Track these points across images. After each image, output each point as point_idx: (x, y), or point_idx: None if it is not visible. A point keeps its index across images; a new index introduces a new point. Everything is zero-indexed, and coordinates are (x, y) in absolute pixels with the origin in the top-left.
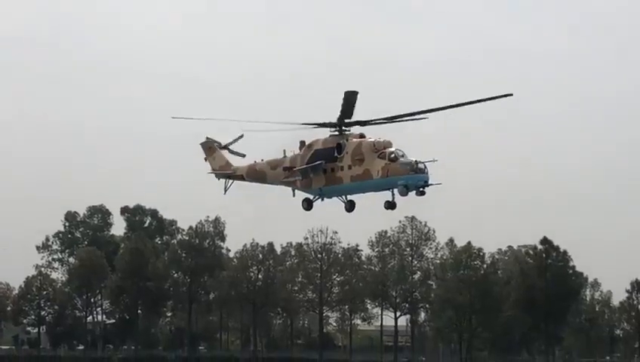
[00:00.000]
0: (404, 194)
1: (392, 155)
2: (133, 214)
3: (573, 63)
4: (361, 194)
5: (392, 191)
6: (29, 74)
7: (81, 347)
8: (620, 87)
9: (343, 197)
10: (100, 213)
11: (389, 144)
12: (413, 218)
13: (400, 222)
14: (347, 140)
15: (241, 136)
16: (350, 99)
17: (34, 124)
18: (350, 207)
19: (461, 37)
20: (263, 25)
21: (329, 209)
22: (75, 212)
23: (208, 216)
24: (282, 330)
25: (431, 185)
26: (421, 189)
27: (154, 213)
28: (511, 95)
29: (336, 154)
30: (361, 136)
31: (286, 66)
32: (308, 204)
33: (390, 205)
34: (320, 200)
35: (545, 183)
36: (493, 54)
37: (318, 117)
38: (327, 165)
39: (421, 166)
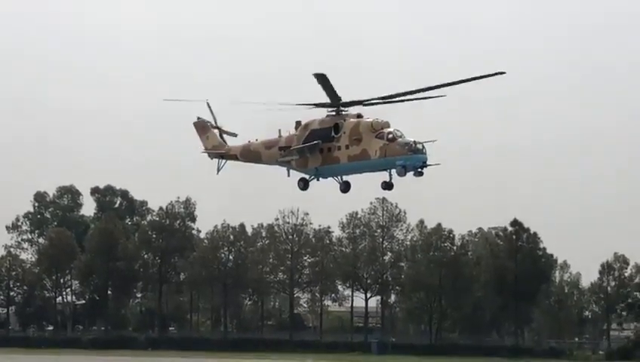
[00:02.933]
0: (402, 174)
1: (391, 135)
2: (104, 195)
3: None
4: (356, 175)
5: (390, 172)
6: None
7: (50, 328)
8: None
9: (339, 177)
10: (69, 193)
11: (387, 124)
12: (384, 199)
13: (371, 203)
14: (344, 120)
15: (235, 135)
16: (323, 81)
17: (3, 103)
18: (345, 187)
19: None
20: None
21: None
22: (45, 192)
23: (179, 197)
24: (253, 311)
25: (429, 165)
26: (419, 170)
27: (124, 194)
28: (503, 73)
29: (333, 134)
30: (359, 116)
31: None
32: (304, 184)
33: (387, 185)
34: (316, 180)
35: (515, 165)
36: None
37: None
38: (324, 145)
39: (419, 146)
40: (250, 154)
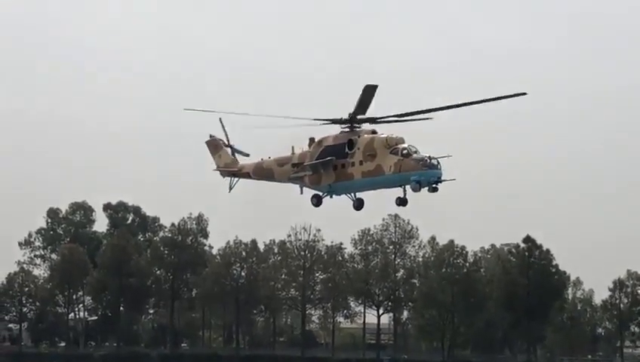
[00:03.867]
0: (416, 190)
1: (405, 151)
2: (116, 211)
3: (550, 61)
4: (368, 192)
5: (404, 188)
6: (12, 69)
7: (62, 344)
8: (608, 85)
9: (352, 194)
10: (82, 209)
11: (401, 140)
12: (396, 216)
13: (383, 220)
14: (359, 136)
15: (248, 155)
16: (369, 93)
17: (17, 121)
18: (359, 205)
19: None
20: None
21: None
22: (58, 208)
23: (191, 213)
24: (265, 328)
25: (444, 180)
26: (434, 185)
27: (137, 210)
28: (525, 94)
29: (347, 150)
30: (373, 132)
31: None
32: (317, 200)
33: (402, 201)
34: (329, 197)
35: (528, 182)
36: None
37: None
38: (338, 161)
39: (434, 162)
40: (263, 172)
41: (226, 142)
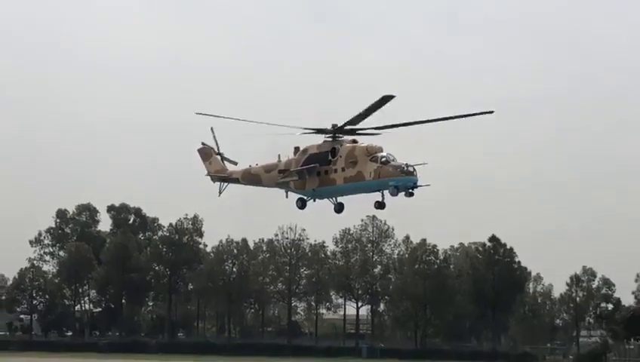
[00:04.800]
0: (394, 194)
1: (384, 159)
2: (119, 212)
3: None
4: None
5: (382, 193)
6: (21, 71)
7: (69, 333)
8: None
9: (334, 199)
10: (87, 210)
11: (380, 149)
12: (374, 216)
13: (362, 220)
14: (341, 145)
15: (236, 163)
16: (383, 102)
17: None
18: (339, 208)
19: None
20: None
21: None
22: (65, 209)
23: (187, 214)
24: (254, 319)
25: (420, 186)
26: (410, 190)
27: (138, 211)
28: (492, 112)
29: (330, 157)
30: (354, 142)
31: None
32: (302, 203)
33: (380, 205)
34: (313, 200)
35: (493, 186)
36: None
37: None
38: (322, 168)
39: (410, 169)
40: (251, 178)
41: (216, 150)
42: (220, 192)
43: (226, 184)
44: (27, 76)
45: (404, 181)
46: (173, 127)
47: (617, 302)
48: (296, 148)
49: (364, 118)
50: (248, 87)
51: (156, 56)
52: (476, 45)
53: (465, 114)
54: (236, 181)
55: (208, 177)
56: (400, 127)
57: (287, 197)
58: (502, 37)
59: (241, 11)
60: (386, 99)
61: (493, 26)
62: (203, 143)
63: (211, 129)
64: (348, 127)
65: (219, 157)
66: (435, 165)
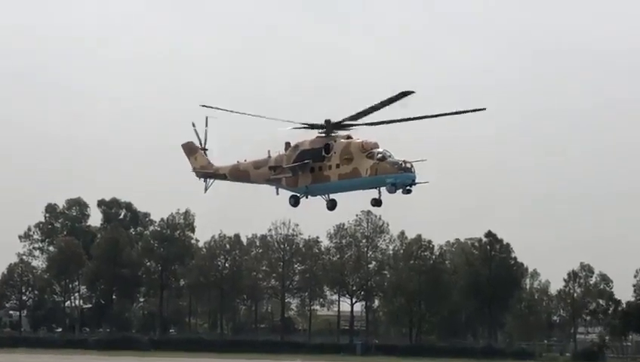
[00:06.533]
0: (392, 191)
1: (381, 155)
2: (109, 207)
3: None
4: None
5: (379, 190)
6: (8, 68)
7: (59, 329)
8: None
9: (326, 196)
10: (77, 205)
11: (376, 145)
12: (368, 212)
13: (357, 215)
14: (335, 141)
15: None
16: (399, 97)
17: (18, 126)
18: (332, 205)
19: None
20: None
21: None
22: (55, 204)
23: (179, 209)
24: (247, 315)
25: (418, 183)
26: (408, 188)
27: (128, 206)
28: (484, 109)
29: (324, 153)
30: (348, 137)
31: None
32: (295, 201)
33: (377, 202)
34: (305, 198)
35: (489, 181)
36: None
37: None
38: (315, 164)
39: (408, 165)
40: (239, 174)
41: (201, 146)
42: (206, 189)
43: (211, 180)
44: (14, 67)
45: (402, 178)
46: (166, 119)
47: (615, 299)
48: (287, 144)
49: (370, 113)
50: (244, 81)
51: (151, 47)
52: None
53: (457, 111)
54: (223, 177)
55: (194, 173)
56: (395, 123)
57: (277, 194)
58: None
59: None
60: (403, 95)
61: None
62: (194, 126)
63: (192, 124)
64: (343, 123)
65: (203, 152)
66: (431, 159)
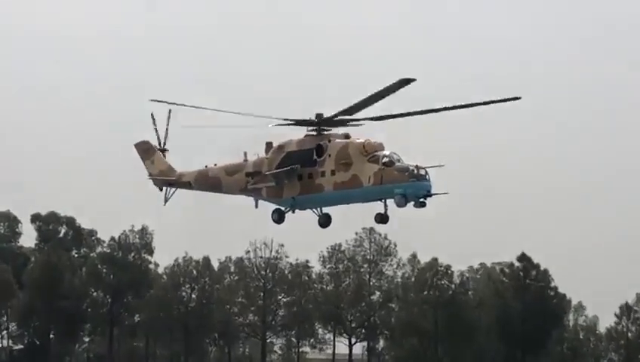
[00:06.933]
0: (402, 205)
1: (387, 159)
2: (46, 223)
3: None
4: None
5: (385, 202)
6: None
7: None
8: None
9: (317, 209)
10: (6, 220)
11: (381, 146)
12: (371, 230)
13: (356, 234)
14: (329, 141)
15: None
16: (400, 85)
17: None
18: (325, 221)
19: None
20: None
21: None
22: None
23: (133, 226)
24: (219, 359)
25: (434, 194)
26: (422, 200)
27: (70, 222)
28: (519, 98)
29: (315, 157)
30: (346, 136)
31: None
32: (279, 216)
33: (382, 218)
34: (291, 212)
35: (524, 192)
36: None
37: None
38: (304, 170)
39: (422, 172)
40: (208, 182)
41: (160, 145)
42: (166, 200)
43: (173, 189)
44: None
45: (414, 188)
46: (117, 114)
47: None
48: (269, 144)
49: (367, 106)
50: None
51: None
52: None
53: (487, 101)
54: (187, 186)
55: (151, 180)
56: (404, 118)
57: (256, 207)
58: None
59: None
60: (403, 83)
61: None
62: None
63: (151, 115)
64: (339, 118)
65: (162, 154)
66: (450, 165)
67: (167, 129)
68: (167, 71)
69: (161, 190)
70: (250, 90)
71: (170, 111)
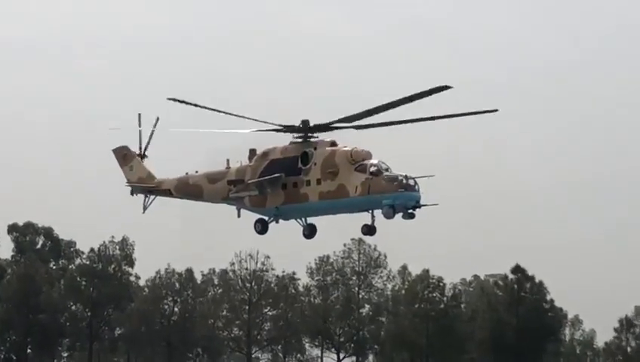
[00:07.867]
0: (389, 216)
1: (375, 168)
2: (23, 233)
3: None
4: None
5: (372, 213)
6: None
7: None
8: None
9: (302, 219)
10: None
11: (368, 155)
12: (360, 241)
13: (345, 245)
14: (315, 149)
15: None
16: (435, 91)
17: None
18: (310, 232)
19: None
20: None
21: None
22: None
23: (113, 237)
24: None
25: (424, 205)
26: (411, 211)
27: (48, 232)
28: (496, 110)
29: (300, 165)
30: (333, 144)
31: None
32: (262, 227)
33: (369, 230)
34: (275, 222)
35: (518, 201)
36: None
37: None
38: (288, 179)
39: (411, 182)
40: (189, 189)
41: (140, 151)
42: (145, 208)
43: (152, 197)
44: None
45: (402, 198)
46: (97, 119)
47: None
48: (252, 152)
49: (385, 110)
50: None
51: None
52: None
53: (466, 112)
54: (168, 193)
55: (129, 188)
56: (393, 126)
57: (239, 216)
58: None
59: None
60: (438, 90)
61: None
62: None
63: (138, 115)
64: (324, 124)
65: (141, 159)
66: (441, 173)
67: (151, 136)
68: (153, 75)
69: (144, 197)
70: (239, 95)
71: (157, 118)
